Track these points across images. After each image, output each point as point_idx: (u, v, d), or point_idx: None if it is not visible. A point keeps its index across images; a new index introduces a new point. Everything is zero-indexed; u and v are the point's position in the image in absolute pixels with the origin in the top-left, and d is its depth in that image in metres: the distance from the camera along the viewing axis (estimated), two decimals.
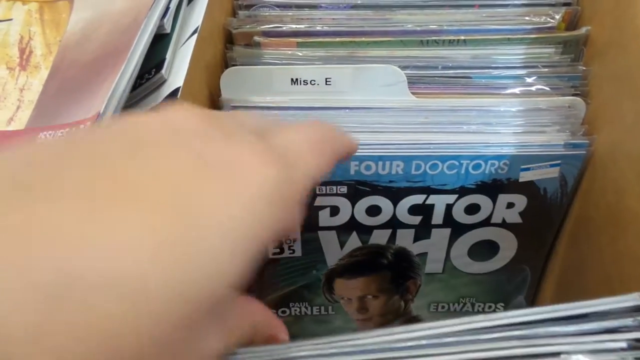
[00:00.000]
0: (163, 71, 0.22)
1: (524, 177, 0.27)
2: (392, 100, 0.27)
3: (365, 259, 0.31)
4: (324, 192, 0.28)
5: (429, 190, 0.27)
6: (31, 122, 0.22)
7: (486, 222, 0.29)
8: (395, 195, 0.28)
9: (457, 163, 0.26)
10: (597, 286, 0.26)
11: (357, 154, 0.25)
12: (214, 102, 0.29)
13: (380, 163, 0.26)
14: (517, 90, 0.28)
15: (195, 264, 0.10)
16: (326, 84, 0.27)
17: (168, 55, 0.22)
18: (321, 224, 0.29)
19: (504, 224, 0.29)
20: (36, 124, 0.21)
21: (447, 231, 0.29)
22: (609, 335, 0.12)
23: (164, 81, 0.22)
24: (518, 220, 0.29)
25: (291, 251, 0.30)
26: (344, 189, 0.27)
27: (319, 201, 0.28)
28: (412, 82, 0.28)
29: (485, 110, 0.27)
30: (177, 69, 0.22)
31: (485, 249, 0.31)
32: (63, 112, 0.21)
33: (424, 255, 0.31)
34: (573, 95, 0.28)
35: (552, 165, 0.27)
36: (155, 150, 0.11)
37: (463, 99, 0.28)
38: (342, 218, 0.29)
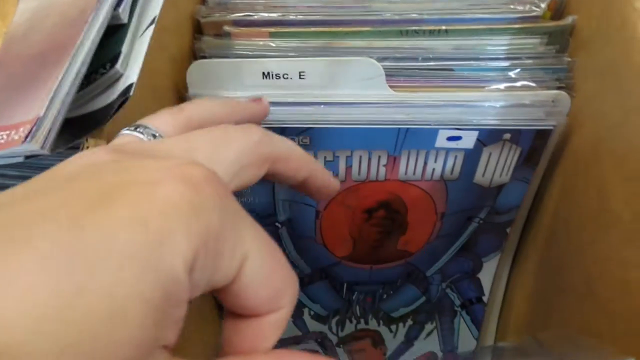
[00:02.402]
0: (118, 66, 0.20)
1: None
2: (370, 95, 0.26)
3: None
4: None
5: None
6: None
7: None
8: None
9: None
10: (576, 285, 0.25)
11: None
12: (181, 97, 0.27)
13: None
14: (501, 85, 0.27)
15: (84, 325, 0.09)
16: (300, 78, 0.25)
17: (124, 48, 0.20)
18: None
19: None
20: None
21: None
22: None
23: (120, 76, 0.20)
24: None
25: None
26: None
27: None
28: (391, 74, 0.27)
29: (469, 106, 0.26)
30: (134, 63, 0.20)
31: None
32: (5, 112, 0.19)
33: None
34: (558, 88, 0.27)
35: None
36: (47, 192, 0.11)
37: (445, 93, 0.26)
38: None
